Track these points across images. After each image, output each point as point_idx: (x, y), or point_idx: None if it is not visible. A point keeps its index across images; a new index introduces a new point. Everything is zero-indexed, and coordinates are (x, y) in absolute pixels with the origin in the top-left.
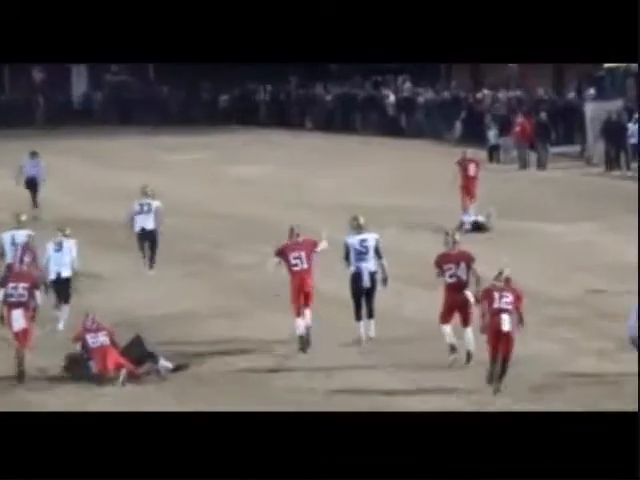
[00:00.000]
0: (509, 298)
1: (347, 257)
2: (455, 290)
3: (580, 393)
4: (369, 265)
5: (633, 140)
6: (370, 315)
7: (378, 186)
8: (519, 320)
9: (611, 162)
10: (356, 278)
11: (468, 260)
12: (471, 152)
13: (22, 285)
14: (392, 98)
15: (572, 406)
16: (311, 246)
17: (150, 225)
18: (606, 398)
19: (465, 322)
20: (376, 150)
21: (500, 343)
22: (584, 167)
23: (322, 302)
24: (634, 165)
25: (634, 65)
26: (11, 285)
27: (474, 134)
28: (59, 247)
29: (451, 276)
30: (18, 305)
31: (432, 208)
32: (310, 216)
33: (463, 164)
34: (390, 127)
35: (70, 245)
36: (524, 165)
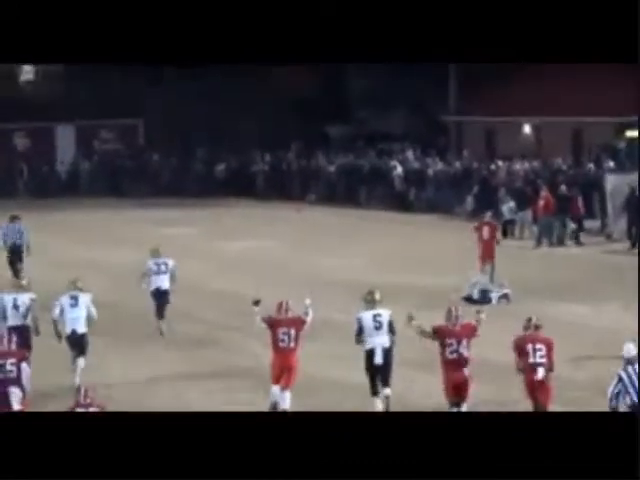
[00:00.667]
0: (542, 351)
1: (359, 333)
2: (455, 368)
3: None
4: (383, 341)
5: None
6: (385, 384)
7: (384, 264)
8: (549, 368)
9: (635, 239)
10: (370, 355)
11: (470, 335)
12: (488, 215)
13: (10, 361)
14: (400, 170)
15: None
16: (300, 324)
17: (165, 284)
18: None
19: (462, 400)
20: (382, 226)
21: (539, 394)
22: (605, 244)
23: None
24: None
25: None
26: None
27: (487, 208)
28: (75, 302)
29: (452, 352)
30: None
31: (443, 287)
32: (312, 295)
33: (479, 228)
34: (397, 201)
35: (86, 300)
36: (551, 241)
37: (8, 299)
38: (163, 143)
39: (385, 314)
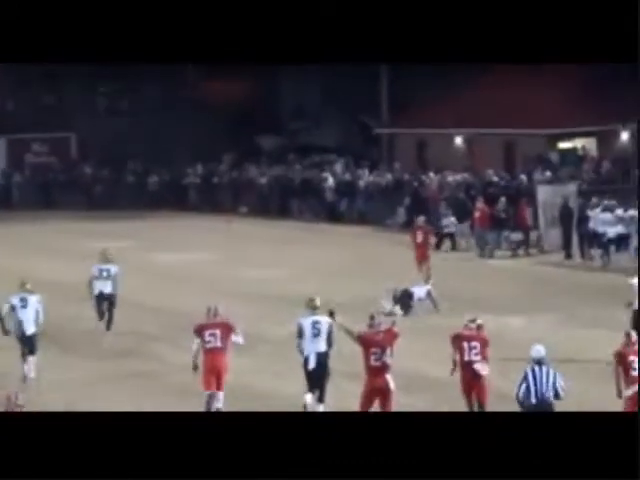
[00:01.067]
0: (477, 349)
1: (299, 337)
2: (378, 374)
3: None
4: (319, 347)
5: (601, 229)
6: (320, 399)
7: (315, 275)
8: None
9: (568, 250)
10: (306, 362)
11: (393, 342)
12: (421, 220)
13: None
14: (331, 181)
15: None
16: (228, 328)
17: (108, 289)
18: None
19: (386, 408)
20: (314, 237)
21: (474, 391)
22: (538, 255)
23: None
24: (595, 253)
25: (591, 147)
26: None
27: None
28: (24, 303)
29: (376, 360)
30: None
31: (373, 297)
32: (246, 307)
33: (412, 233)
34: (329, 212)
35: (35, 301)
36: (483, 253)
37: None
38: (95, 156)
39: (324, 322)
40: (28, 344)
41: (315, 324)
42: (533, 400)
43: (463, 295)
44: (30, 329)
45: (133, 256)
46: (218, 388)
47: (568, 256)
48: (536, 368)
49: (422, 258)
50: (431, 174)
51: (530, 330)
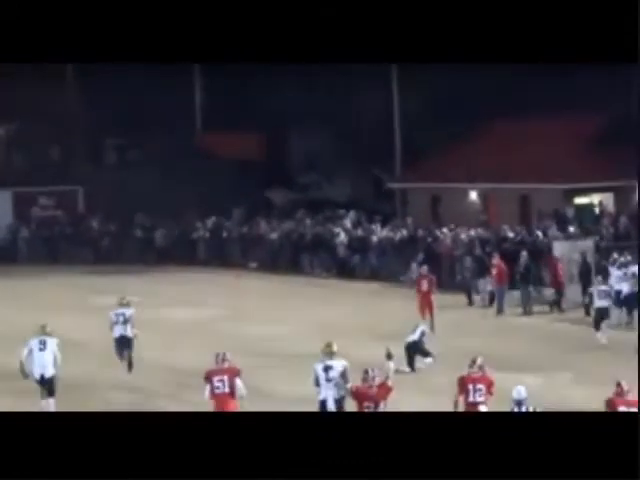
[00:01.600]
0: (482, 390)
1: (317, 383)
2: None
3: None
4: (334, 393)
5: (617, 286)
6: None
7: (325, 332)
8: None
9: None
10: (322, 406)
11: (387, 396)
12: (425, 269)
13: None
14: (343, 237)
15: None
16: (235, 373)
17: (127, 332)
18: None
19: None
20: (325, 293)
21: None
22: (555, 312)
23: None
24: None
25: (608, 202)
26: None
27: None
28: (43, 346)
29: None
30: None
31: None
32: (254, 365)
33: (417, 281)
34: (341, 268)
35: (53, 344)
36: (501, 309)
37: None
38: (102, 209)
39: (338, 366)
40: (47, 386)
41: (328, 369)
42: None
43: (479, 352)
44: (49, 371)
45: (140, 311)
46: None
47: (587, 313)
48: (515, 409)
49: (427, 306)
50: (445, 229)
51: (547, 388)
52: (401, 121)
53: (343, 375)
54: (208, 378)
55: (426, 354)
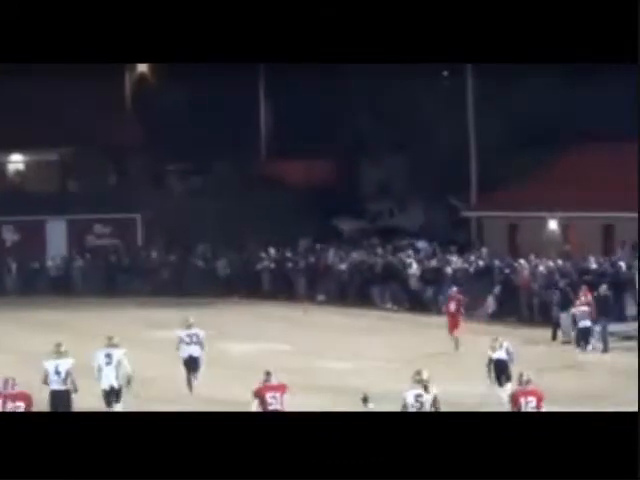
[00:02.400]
0: (533, 402)
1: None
2: None
3: None
4: None
5: None
6: None
7: (397, 368)
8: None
9: None
10: None
11: None
12: (454, 290)
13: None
14: (415, 268)
15: None
16: (284, 389)
17: (197, 353)
18: None
19: None
20: (397, 328)
21: None
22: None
23: None
24: None
25: None
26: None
27: (509, 311)
28: (109, 359)
29: None
30: None
31: (453, 395)
32: (321, 403)
33: (448, 300)
34: (413, 301)
35: (119, 355)
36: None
37: (50, 365)
38: (162, 238)
39: (428, 395)
40: (114, 395)
41: (418, 397)
42: None
43: (558, 388)
44: (116, 382)
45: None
46: None
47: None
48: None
49: (454, 327)
50: (522, 260)
51: None
52: (477, 148)
53: (434, 405)
54: (260, 394)
55: (508, 378)
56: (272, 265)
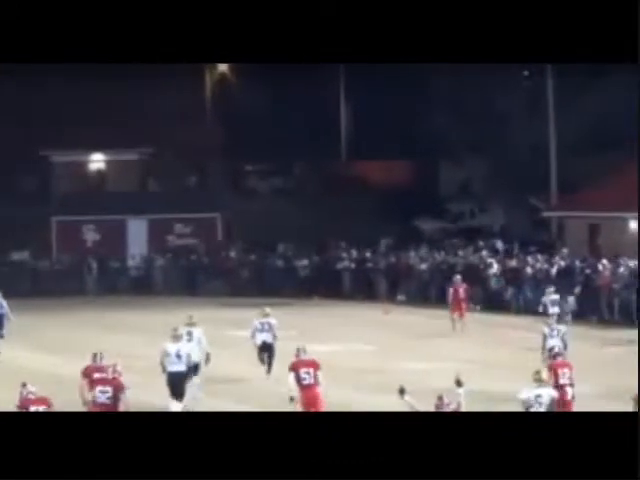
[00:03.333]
0: (568, 373)
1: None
2: None
3: None
4: None
5: None
6: None
7: (481, 370)
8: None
9: None
10: None
11: None
12: (458, 279)
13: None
14: (496, 268)
15: None
16: (316, 364)
17: (270, 339)
18: None
19: None
20: (478, 328)
21: (565, 408)
22: None
23: None
24: None
25: None
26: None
27: (590, 312)
28: (190, 337)
29: None
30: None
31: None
32: (400, 403)
33: (454, 288)
34: (494, 301)
35: (199, 333)
36: None
37: (171, 348)
38: (242, 238)
39: (547, 395)
40: (194, 369)
41: (537, 397)
42: None
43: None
44: (197, 357)
45: (280, 347)
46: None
47: None
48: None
49: (460, 312)
50: (604, 261)
51: None
52: (558, 148)
53: (550, 406)
54: (295, 369)
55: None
56: (352, 265)
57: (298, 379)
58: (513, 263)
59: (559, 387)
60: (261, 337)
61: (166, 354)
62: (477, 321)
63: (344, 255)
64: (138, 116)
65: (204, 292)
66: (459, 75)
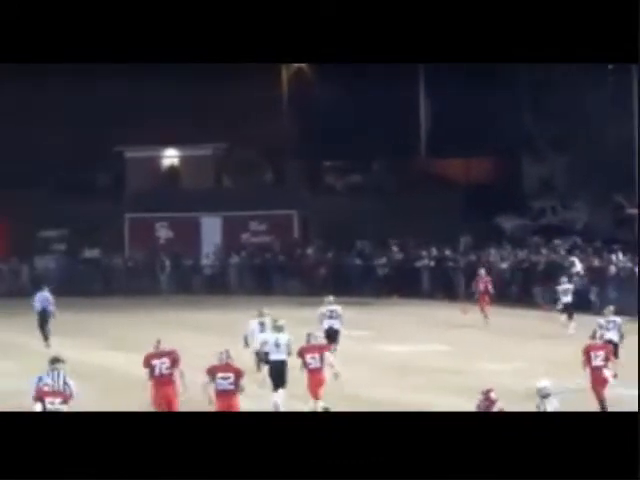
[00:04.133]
0: (601, 357)
1: None
2: None
3: None
4: None
5: None
6: None
7: (562, 371)
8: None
9: None
10: None
11: None
12: (482, 272)
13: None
14: (579, 267)
15: None
16: (324, 348)
17: (337, 326)
18: None
19: None
20: (560, 329)
21: (599, 388)
22: None
23: None
24: None
25: None
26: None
27: None
28: (262, 328)
29: None
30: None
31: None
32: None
33: (476, 282)
34: (577, 301)
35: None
36: None
37: (271, 338)
38: (319, 236)
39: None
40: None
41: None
42: None
43: None
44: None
45: (356, 346)
46: (316, 397)
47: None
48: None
49: (483, 303)
50: None
51: None
52: None
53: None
54: (302, 355)
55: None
56: (432, 264)
57: (305, 364)
58: (596, 262)
59: (593, 369)
60: (329, 323)
61: (264, 343)
62: (556, 320)
63: (423, 253)
64: (214, 111)
65: (280, 291)
66: (542, 70)
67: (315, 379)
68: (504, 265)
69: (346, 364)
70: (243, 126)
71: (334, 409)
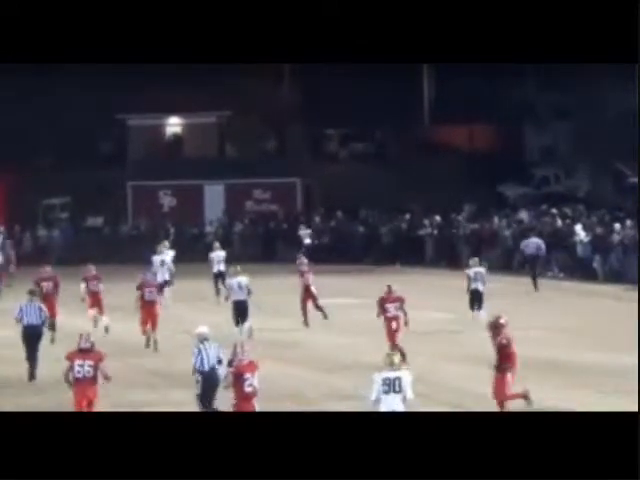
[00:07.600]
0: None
1: None
2: None
3: None
4: None
5: None
6: None
7: (561, 339)
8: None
9: None
10: None
11: None
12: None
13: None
14: (582, 235)
15: None
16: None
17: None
18: None
19: None
20: (562, 296)
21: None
22: None
23: None
24: None
25: None
26: None
27: None
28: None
29: None
30: None
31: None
32: (479, 372)
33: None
34: (580, 269)
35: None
36: None
37: (233, 281)
38: (322, 204)
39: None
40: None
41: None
42: (206, 368)
43: None
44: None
45: (357, 315)
46: None
47: None
48: (204, 344)
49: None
50: None
51: None
52: None
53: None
54: (381, 305)
55: None
56: (435, 232)
57: (383, 314)
58: (600, 230)
59: (387, 319)
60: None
61: (229, 287)
62: (562, 289)
63: (426, 222)
64: (216, 78)
65: (282, 259)
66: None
67: (389, 325)
68: (507, 233)
69: (347, 331)
70: (246, 93)
71: (337, 377)
